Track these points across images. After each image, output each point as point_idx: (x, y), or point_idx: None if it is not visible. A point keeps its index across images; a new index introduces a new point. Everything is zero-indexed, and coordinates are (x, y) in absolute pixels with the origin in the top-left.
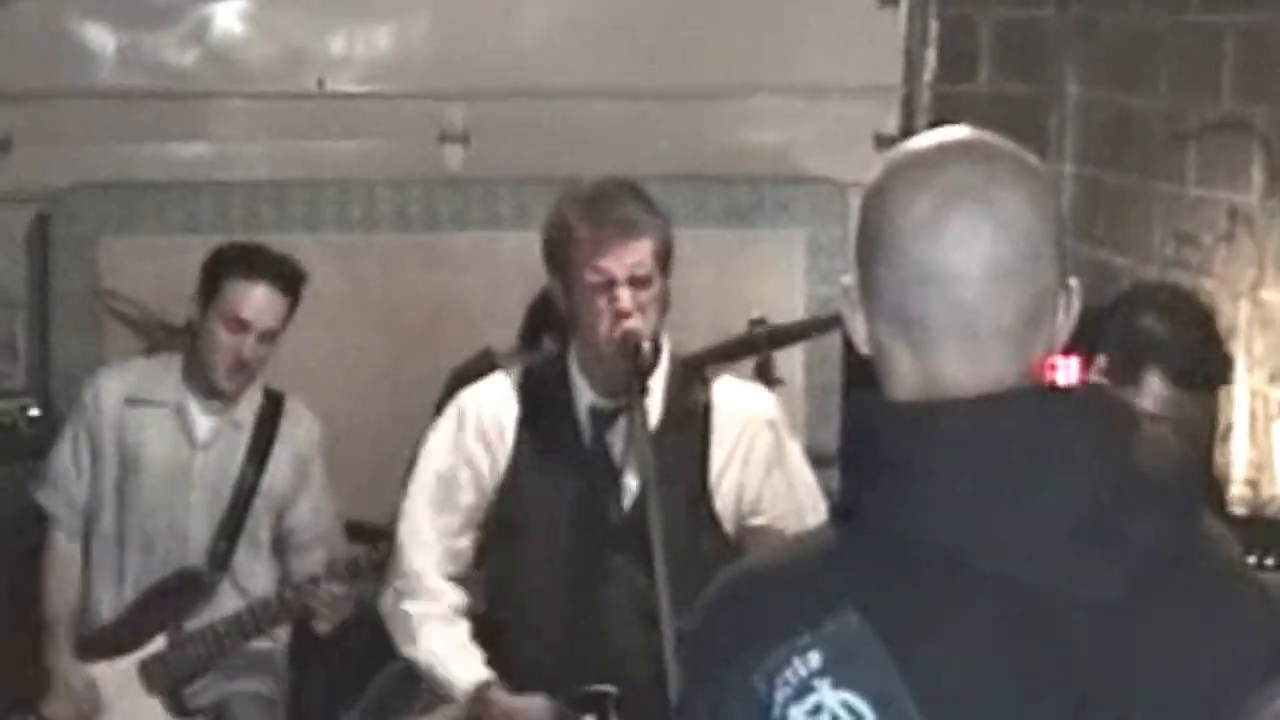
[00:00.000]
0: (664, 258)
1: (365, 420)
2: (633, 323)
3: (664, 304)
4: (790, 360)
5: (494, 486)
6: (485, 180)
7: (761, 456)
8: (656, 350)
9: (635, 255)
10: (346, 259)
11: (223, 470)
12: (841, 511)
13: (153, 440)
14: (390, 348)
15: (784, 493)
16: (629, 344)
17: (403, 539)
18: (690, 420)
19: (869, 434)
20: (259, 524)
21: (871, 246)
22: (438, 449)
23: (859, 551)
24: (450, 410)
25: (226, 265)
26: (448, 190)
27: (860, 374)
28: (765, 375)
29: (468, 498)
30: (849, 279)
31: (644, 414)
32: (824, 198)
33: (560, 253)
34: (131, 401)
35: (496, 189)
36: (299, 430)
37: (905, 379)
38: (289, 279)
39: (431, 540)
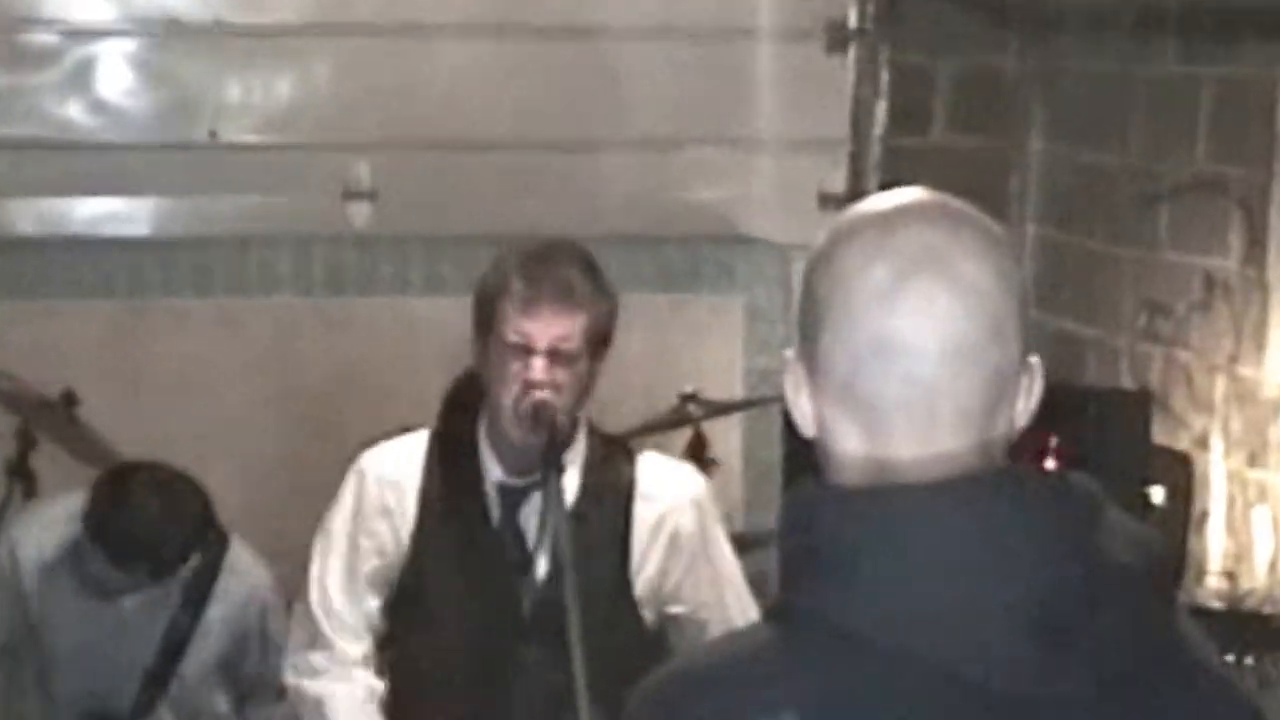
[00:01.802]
0: (597, 340)
1: (259, 509)
2: (544, 394)
3: (587, 387)
4: (726, 438)
5: (397, 560)
6: (394, 239)
7: (686, 541)
8: (574, 424)
9: (563, 327)
10: (240, 325)
11: (148, 636)
12: (780, 608)
13: (71, 601)
14: (288, 426)
15: (707, 581)
16: (543, 417)
17: (312, 612)
18: (611, 500)
19: (810, 524)
20: (188, 691)
21: (818, 316)
22: (338, 517)
23: (799, 652)
24: (350, 474)
25: (94, 527)
26: (353, 250)
27: (802, 454)
28: (698, 454)
29: (372, 569)
30: (791, 352)
31: (560, 493)
32: (764, 261)
33: (489, 307)
34: (49, 557)
35: (407, 249)
36: (240, 589)
37: (852, 463)
38: (162, 564)
39: (342, 612)
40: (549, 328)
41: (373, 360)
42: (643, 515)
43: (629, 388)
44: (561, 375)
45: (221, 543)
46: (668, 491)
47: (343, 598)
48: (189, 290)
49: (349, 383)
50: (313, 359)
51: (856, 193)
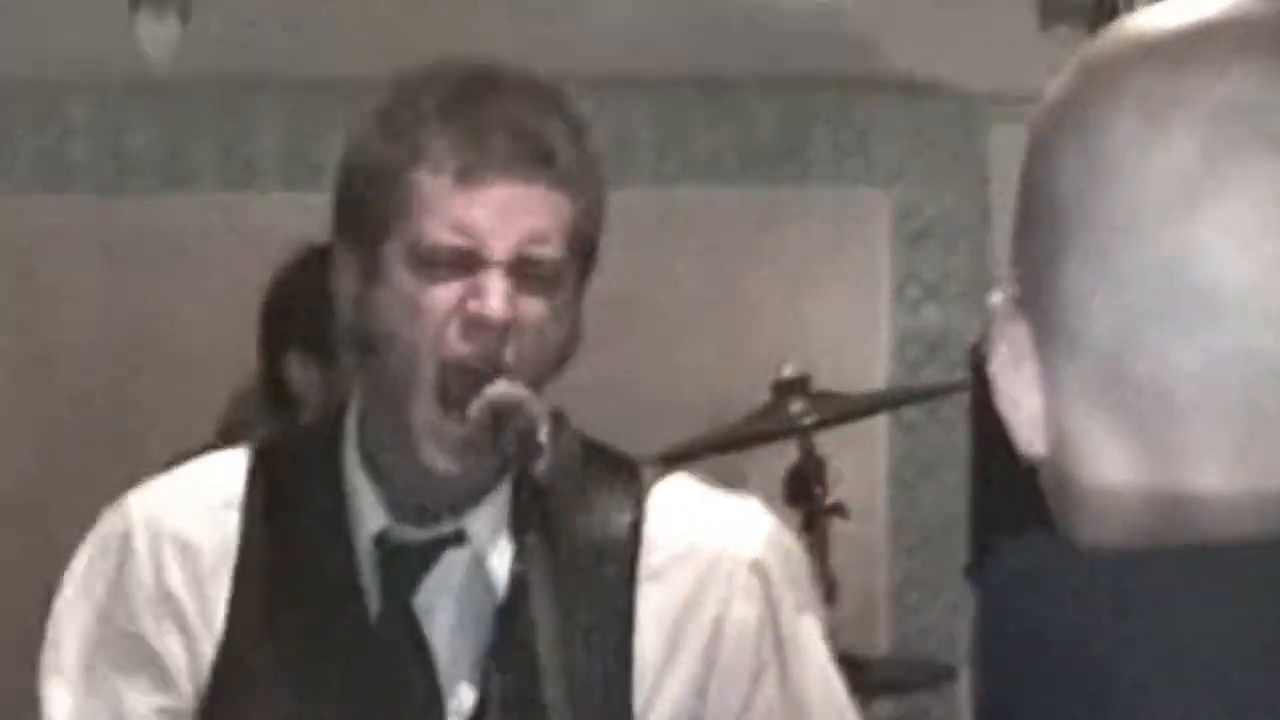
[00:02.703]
0: (579, 246)
1: None
2: (503, 389)
3: (567, 343)
4: (862, 462)
5: (192, 693)
6: (223, 89)
7: (738, 645)
8: (557, 422)
9: (535, 217)
10: None
11: None
12: None
13: None
14: (44, 420)
15: (781, 717)
16: (514, 425)
17: None
18: (594, 569)
19: (1043, 617)
20: None
21: (1057, 232)
22: (76, 615)
23: None
24: (99, 537)
25: None
26: (147, 107)
27: (1010, 492)
28: (808, 492)
29: (144, 711)
30: (1000, 296)
31: (543, 560)
32: (934, 125)
33: (385, 190)
34: None
35: (250, 105)
36: None
37: (1119, 501)
38: None
39: None
40: (511, 217)
41: (188, 305)
42: (655, 599)
43: (679, 367)
44: (533, 311)
45: None
46: (701, 549)
47: None
48: None
49: (147, 345)
50: (84, 306)
51: (1102, 6)
